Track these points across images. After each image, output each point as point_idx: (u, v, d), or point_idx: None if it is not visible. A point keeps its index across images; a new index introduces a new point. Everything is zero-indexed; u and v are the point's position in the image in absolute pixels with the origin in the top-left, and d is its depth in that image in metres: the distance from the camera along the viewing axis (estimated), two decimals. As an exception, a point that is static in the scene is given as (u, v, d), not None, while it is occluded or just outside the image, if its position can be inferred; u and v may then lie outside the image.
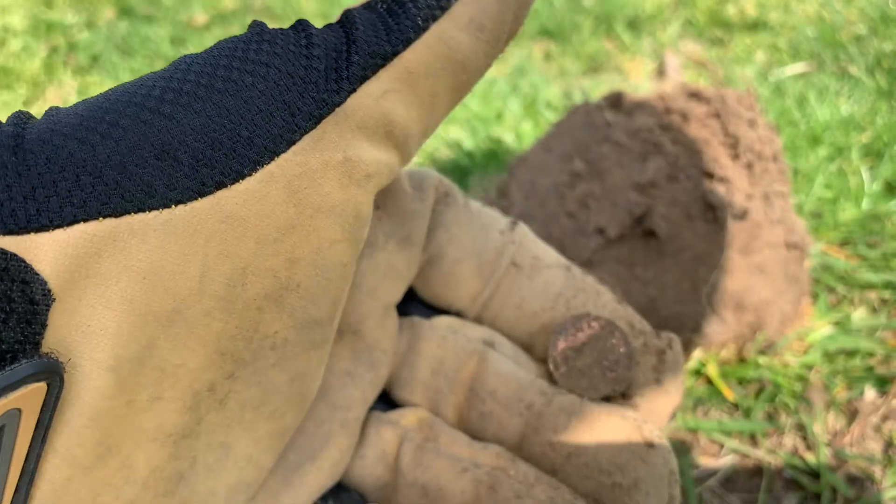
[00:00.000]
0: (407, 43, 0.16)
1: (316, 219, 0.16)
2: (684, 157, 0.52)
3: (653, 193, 0.52)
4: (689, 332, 0.54)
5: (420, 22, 0.16)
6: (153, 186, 0.13)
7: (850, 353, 0.58)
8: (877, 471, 0.49)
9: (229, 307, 0.15)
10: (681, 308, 0.53)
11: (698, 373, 0.56)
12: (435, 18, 0.16)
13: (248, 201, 0.14)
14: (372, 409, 0.22)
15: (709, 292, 0.52)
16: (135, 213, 0.13)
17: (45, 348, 0.12)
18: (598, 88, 1.06)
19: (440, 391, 0.22)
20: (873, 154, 0.82)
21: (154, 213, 0.13)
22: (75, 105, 0.14)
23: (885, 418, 0.53)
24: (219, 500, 0.17)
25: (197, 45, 1.37)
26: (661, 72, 1.13)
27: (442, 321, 0.22)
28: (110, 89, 0.15)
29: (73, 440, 0.13)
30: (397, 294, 0.21)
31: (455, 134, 0.97)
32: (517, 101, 1.04)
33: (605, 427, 0.19)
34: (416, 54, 0.16)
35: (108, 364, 0.13)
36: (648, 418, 0.21)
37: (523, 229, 0.22)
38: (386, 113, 0.16)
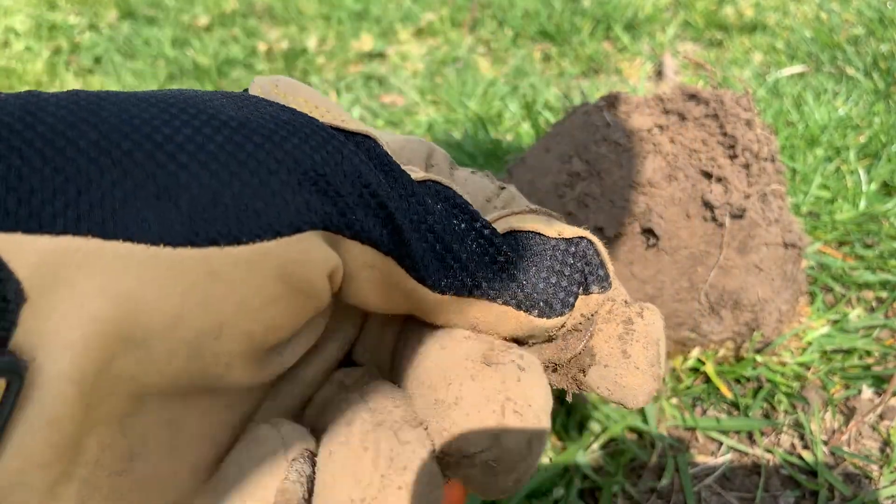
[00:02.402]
0: (421, 282, 0.17)
1: (299, 298, 0.16)
2: (682, 157, 0.53)
3: (651, 193, 0.52)
4: (687, 330, 0.54)
5: (443, 283, 0.17)
6: (148, 222, 0.14)
7: (847, 352, 0.58)
8: (874, 469, 0.49)
9: (197, 354, 0.15)
10: (679, 306, 0.53)
11: (696, 371, 0.56)
12: (458, 294, 0.17)
13: (237, 266, 0.15)
14: None
15: (706, 291, 0.53)
16: (123, 240, 0.14)
17: (12, 347, 0.13)
18: (596, 90, 1.07)
19: (387, 345, 0.22)
20: (870, 154, 0.83)
21: (142, 245, 0.14)
22: (100, 104, 0.15)
23: (881, 417, 0.53)
24: (184, 483, 0.17)
25: (199, 47, 1.37)
26: (659, 73, 1.13)
27: None
28: (136, 103, 0.15)
29: (30, 438, 0.13)
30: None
31: (455, 135, 0.97)
32: (516, 103, 1.04)
33: (457, 346, 0.18)
34: (418, 294, 0.17)
35: (72, 376, 0.13)
36: (619, 394, 0.19)
37: (510, 193, 0.22)
38: (356, 273, 0.17)
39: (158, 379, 0.15)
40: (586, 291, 0.18)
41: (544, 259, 0.18)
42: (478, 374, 0.17)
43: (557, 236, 0.18)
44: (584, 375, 0.19)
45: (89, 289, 0.13)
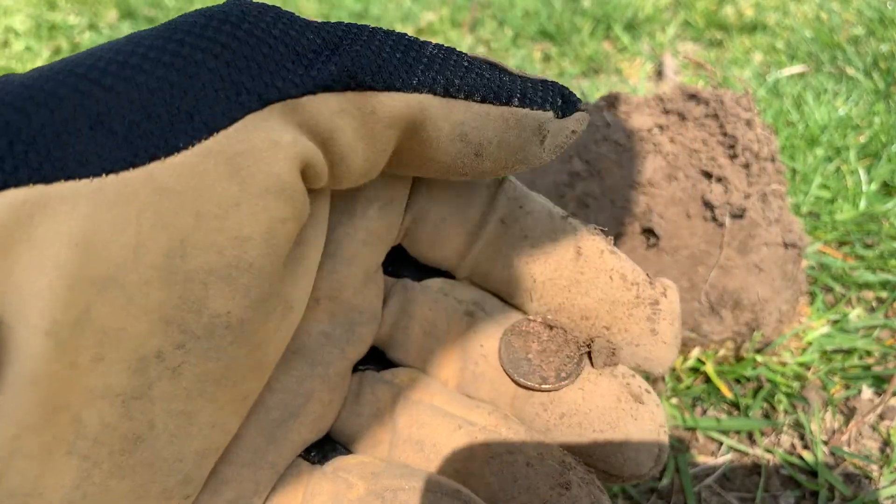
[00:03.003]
0: (389, 88, 0.16)
1: (265, 198, 0.15)
2: (682, 157, 0.53)
3: (651, 193, 0.52)
4: (688, 330, 0.54)
5: (414, 82, 0.16)
6: (85, 155, 0.14)
7: (847, 352, 0.58)
8: (874, 469, 0.49)
9: (169, 278, 0.15)
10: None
11: (696, 371, 0.56)
12: (433, 91, 0.16)
13: (182, 175, 0.14)
14: (366, 369, 0.23)
15: (707, 291, 0.53)
16: (65, 180, 0.13)
17: None
18: (596, 90, 1.07)
19: (433, 352, 0.22)
20: (870, 154, 0.83)
21: (85, 181, 0.13)
22: (27, 73, 0.15)
23: (881, 417, 0.53)
24: (187, 466, 0.17)
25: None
26: (659, 73, 1.13)
27: (433, 283, 0.23)
28: (63, 58, 0.15)
29: (15, 400, 0.13)
30: (378, 258, 0.21)
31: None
32: (517, 103, 1.04)
33: (594, 387, 0.20)
34: (389, 102, 0.16)
35: (45, 328, 0.13)
36: (647, 366, 0.21)
37: (512, 183, 0.22)
38: (332, 128, 0.16)
39: (145, 322, 0.15)
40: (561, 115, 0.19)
41: (515, 76, 0.18)
42: (637, 414, 0.20)
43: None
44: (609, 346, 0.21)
45: (44, 237, 0.13)
